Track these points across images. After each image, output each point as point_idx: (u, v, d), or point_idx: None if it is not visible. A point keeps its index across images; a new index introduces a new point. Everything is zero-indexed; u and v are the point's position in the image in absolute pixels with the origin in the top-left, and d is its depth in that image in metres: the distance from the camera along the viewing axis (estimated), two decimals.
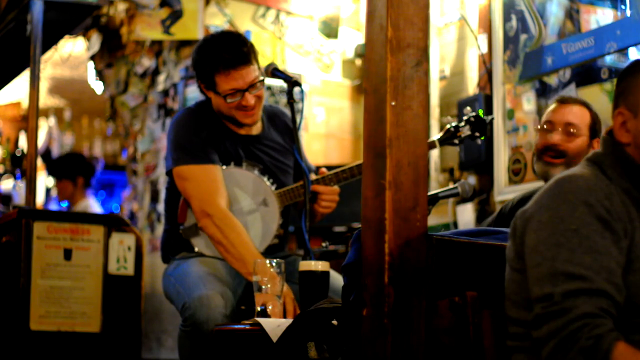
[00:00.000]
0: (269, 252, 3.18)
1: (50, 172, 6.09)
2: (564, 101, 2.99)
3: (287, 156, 3.33)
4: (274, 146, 3.31)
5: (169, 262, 3.21)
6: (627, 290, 1.64)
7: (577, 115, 2.94)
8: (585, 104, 2.99)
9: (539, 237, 1.68)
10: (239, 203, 3.19)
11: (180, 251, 3.18)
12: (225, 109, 3.17)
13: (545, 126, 2.95)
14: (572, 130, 2.91)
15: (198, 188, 3.12)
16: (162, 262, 3.28)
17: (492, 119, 3.52)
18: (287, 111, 3.33)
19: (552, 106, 3.01)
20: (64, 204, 6.34)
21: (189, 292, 2.91)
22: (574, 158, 2.86)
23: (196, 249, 3.15)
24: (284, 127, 3.37)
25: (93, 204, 6.08)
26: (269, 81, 5.00)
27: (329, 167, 3.38)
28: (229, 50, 3.10)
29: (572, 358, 1.57)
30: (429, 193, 2.82)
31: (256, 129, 3.30)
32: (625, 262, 1.66)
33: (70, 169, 6.07)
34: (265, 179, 3.22)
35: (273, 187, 3.22)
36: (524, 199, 3.00)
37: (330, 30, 5.31)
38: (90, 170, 6.19)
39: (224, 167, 3.19)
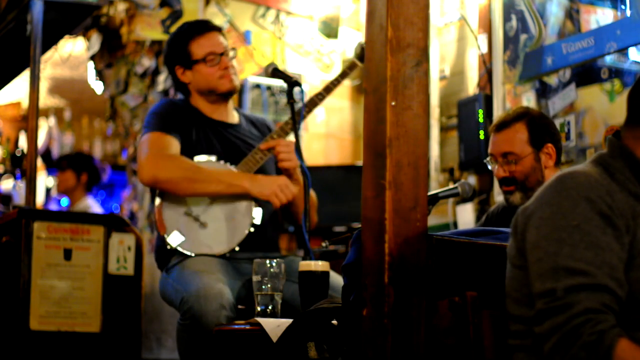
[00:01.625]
0: (264, 249, 3.20)
1: (56, 163, 6.10)
2: (497, 128, 3.01)
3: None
4: (249, 135, 3.39)
5: (164, 267, 3.22)
6: (628, 287, 1.64)
7: (511, 140, 2.95)
8: (520, 117, 2.97)
9: (541, 232, 1.69)
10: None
11: (173, 255, 3.19)
12: (206, 78, 3.28)
13: (489, 159, 3.02)
14: (510, 158, 2.95)
15: (146, 149, 3.18)
16: (158, 268, 3.29)
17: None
18: (269, 120, 3.53)
19: (491, 134, 3.05)
20: (64, 200, 6.32)
21: (187, 286, 2.93)
22: (525, 179, 2.93)
23: (187, 252, 3.14)
24: (263, 125, 3.47)
25: (93, 205, 6.08)
26: (269, 81, 5.01)
27: (329, 167, 3.39)
28: (195, 23, 3.39)
29: (574, 353, 1.57)
30: (429, 193, 2.82)
31: (232, 119, 3.40)
32: (627, 258, 1.66)
33: (79, 162, 6.08)
34: (227, 164, 3.25)
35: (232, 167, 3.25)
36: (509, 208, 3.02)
37: (330, 30, 5.31)
38: (96, 174, 6.20)
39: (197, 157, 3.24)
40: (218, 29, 3.35)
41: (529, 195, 2.63)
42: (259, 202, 3.21)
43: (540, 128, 2.97)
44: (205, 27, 3.32)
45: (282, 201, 3.13)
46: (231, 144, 3.30)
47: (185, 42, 3.30)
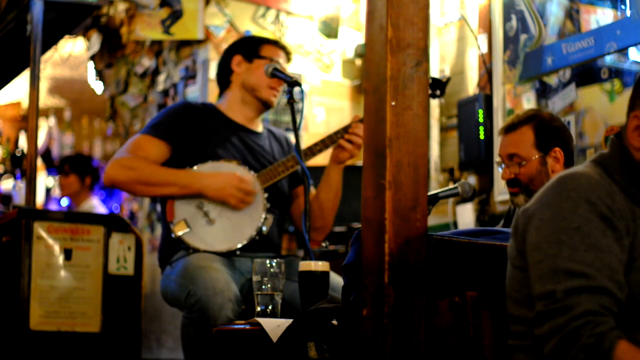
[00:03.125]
0: (262, 248, 3.20)
1: (58, 168, 6.12)
2: (505, 130, 3.03)
3: (281, 156, 3.41)
4: (270, 146, 3.41)
5: (166, 266, 3.22)
6: (628, 289, 1.64)
7: (517, 142, 2.96)
8: (528, 120, 2.98)
9: (541, 234, 1.68)
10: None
11: (177, 252, 3.19)
12: (258, 77, 3.32)
13: (497, 160, 3.04)
14: (515, 160, 2.96)
15: (120, 152, 3.22)
16: (160, 267, 3.28)
17: (449, 78, 3.56)
18: (289, 135, 3.54)
19: (500, 136, 3.07)
20: (64, 200, 6.33)
21: (193, 280, 2.93)
22: (530, 183, 2.93)
23: (191, 245, 3.15)
24: (283, 139, 3.51)
25: (98, 205, 6.09)
26: None
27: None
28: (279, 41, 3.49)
29: (574, 355, 1.57)
30: (429, 193, 2.82)
31: (256, 127, 3.41)
32: (627, 260, 1.66)
33: (82, 166, 6.10)
34: (247, 168, 3.25)
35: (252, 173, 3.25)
36: None
37: (330, 30, 5.30)
38: (97, 176, 6.22)
39: (210, 162, 3.21)
40: (290, 58, 3.48)
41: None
42: (270, 210, 3.22)
43: (549, 131, 2.96)
44: (284, 47, 3.46)
45: (239, 200, 3.15)
46: (251, 150, 3.30)
47: (260, 41, 3.46)
